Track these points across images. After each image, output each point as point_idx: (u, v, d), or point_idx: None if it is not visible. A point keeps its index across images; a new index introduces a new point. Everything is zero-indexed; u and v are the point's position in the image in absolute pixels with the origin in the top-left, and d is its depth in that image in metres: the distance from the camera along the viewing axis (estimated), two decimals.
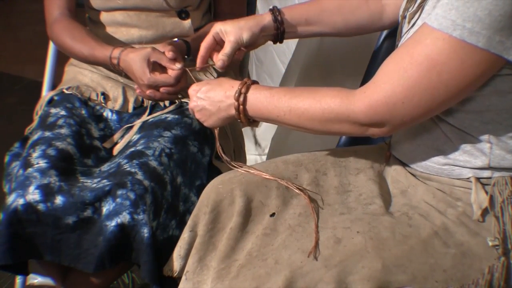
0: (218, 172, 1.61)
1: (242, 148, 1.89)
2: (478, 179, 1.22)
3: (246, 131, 2.07)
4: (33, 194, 1.46)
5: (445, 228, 1.22)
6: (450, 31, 1.08)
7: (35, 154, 1.54)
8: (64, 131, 1.62)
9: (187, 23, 1.74)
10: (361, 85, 1.23)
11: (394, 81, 1.13)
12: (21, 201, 1.46)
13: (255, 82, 1.31)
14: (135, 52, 1.56)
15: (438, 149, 1.25)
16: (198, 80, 1.45)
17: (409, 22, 1.24)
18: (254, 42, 1.44)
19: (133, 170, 1.50)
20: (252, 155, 2.62)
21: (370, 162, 1.41)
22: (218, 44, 1.45)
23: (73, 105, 1.71)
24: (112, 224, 1.45)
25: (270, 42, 1.50)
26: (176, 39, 1.68)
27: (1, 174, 1.66)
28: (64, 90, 1.76)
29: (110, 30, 1.75)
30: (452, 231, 1.22)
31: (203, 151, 1.66)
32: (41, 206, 1.46)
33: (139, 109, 1.75)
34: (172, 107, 1.71)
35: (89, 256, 1.47)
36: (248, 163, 1.50)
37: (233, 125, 1.81)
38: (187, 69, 1.55)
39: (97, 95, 1.76)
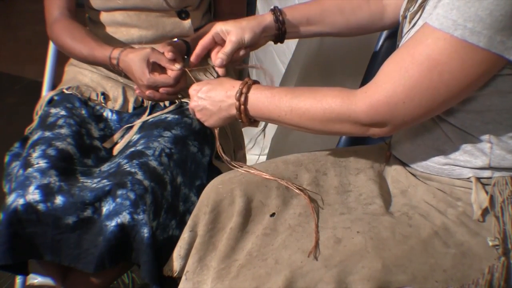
0: (218, 172, 1.61)
1: (242, 148, 1.89)
2: (478, 179, 1.22)
3: (246, 131, 2.06)
4: (33, 194, 1.46)
5: (445, 228, 1.22)
6: (451, 31, 1.08)
7: (35, 154, 1.54)
8: (64, 131, 1.62)
9: (187, 23, 1.74)
10: (361, 85, 1.23)
11: (395, 81, 1.14)
12: (21, 201, 1.46)
13: (256, 82, 1.31)
14: (134, 52, 1.56)
15: (438, 149, 1.25)
16: (198, 80, 1.44)
17: (410, 22, 1.24)
18: (255, 43, 1.44)
19: (133, 170, 1.50)
20: (252, 155, 2.62)
21: (370, 162, 1.41)
22: (218, 44, 1.45)
23: (73, 105, 1.71)
24: (112, 224, 1.45)
25: (270, 42, 1.50)
26: (176, 39, 1.67)
27: (1, 174, 1.66)
28: (64, 90, 1.76)
29: (110, 30, 1.75)
30: (452, 231, 1.22)
31: (203, 151, 1.66)
32: (41, 206, 1.46)
33: (139, 109, 1.75)
34: (172, 107, 1.71)
35: (89, 256, 1.47)
36: (248, 163, 1.50)
37: (233, 125, 1.81)
38: (186, 70, 1.55)
39: (97, 95, 1.76)
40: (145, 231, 1.44)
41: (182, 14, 1.73)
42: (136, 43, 1.73)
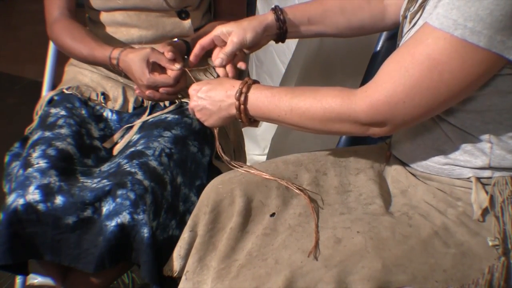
0: (218, 172, 1.61)
1: (242, 148, 1.89)
2: (478, 179, 1.22)
3: (246, 131, 2.07)
4: (33, 194, 1.46)
5: (445, 228, 1.22)
6: (451, 31, 1.08)
7: (35, 154, 1.54)
8: (64, 131, 1.62)
9: (187, 23, 1.74)
10: (361, 85, 1.23)
11: (395, 81, 1.14)
12: (21, 201, 1.46)
13: (256, 82, 1.31)
14: (134, 52, 1.56)
15: (438, 149, 1.25)
16: (198, 80, 1.44)
17: (410, 22, 1.24)
18: (257, 43, 1.43)
19: (133, 170, 1.50)
20: (252, 155, 2.62)
21: (370, 162, 1.40)
22: (219, 46, 1.45)
23: (73, 105, 1.71)
24: (112, 224, 1.45)
25: (270, 42, 1.50)
26: (176, 39, 1.67)
27: (1, 174, 1.66)
28: (64, 90, 1.76)
29: (110, 30, 1.75)
30: (452, 231, 1.22)
31: (203, 151, 1.66)
32: (41, 206, 1.46)
33: (139, 109, 1.75)
34: (172, 107, 1.71)
35: (89, 256, 1.47)
36: (248, 163, 1.50)
37: (233, 125, 1.81)
38: (186, 70, 1.55)
39: (97, 95, 1.76)
40: (145, 231, 1.44)
41: (182, 14, 1.73)
42: (136, 43, 1.73)
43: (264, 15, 1.44)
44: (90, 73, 1.79)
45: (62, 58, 1.94)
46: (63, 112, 1.68)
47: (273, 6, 1.45)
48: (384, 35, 1.70)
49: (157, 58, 1.54)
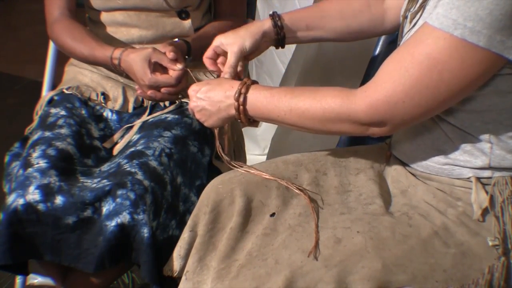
0: (218, 172, 1.61)
1: (242, 148, 1.89)
2: (478, 179, 1.22)
3: (246, 131, 2.06)
4: (33, 194, 1.46)
5: (445, 228, 1.22)
6: (451, 30, 1.08)
7: (35, 154, 1.54)
8: (64, 131, 1.62)
9: (187, 23, 1.74)
10: (361, 85, 1.23)
11: (395, 80, 1.14)
12: (21, 201, 1.46)
13: (254, 82, 1.31)
14: (136, 52, 1.56)
15: (438, 149, 1.25)
16: (199, 81, 1.45)
17: (410, 22, 1.24)
18: (256, 49, 1.43)
19: (133, 170, 1.50)
20: (252, 155, 2.62)
21: (370, 162, 1.41)
22: (221, 55, 1.45)
23: (73, 105, 1.71)
24: (112, 224, 1.45)
25: None
26: (176, 39, 1.68)
27: (1, 174, 1.66)
28: (64, 90, 1.76)
29: (110, 30, 1.75)
30: (452, 231, 1.22)
31: (203, 151, 1.66)
32: (41, 206, 1.46)
33: (139, 109, 1.75)
34: (172, 107, 1.71)
35: (89, 256, 1.47)
36: (248, 163, 1.50)
37: (233, 125, 1.81)
38: (188, 70, 1.55)
39: (97, 95, 1.76)
40: (145, 231, 1.44)
41: (182, 14, 1.73)
42: (136, 43, 1.73)
43: (261, 21, 1.44)
44: (90, 73, 1.79)
45: (62, 58, 1.94)
46: (63, 112, 1.68)
47: (271, 12, 1.45)
48: (383, 36, 1.70)
49: (158, 58, 1.54)
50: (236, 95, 1.28)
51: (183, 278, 1.33)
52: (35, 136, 1.61)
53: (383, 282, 1.17)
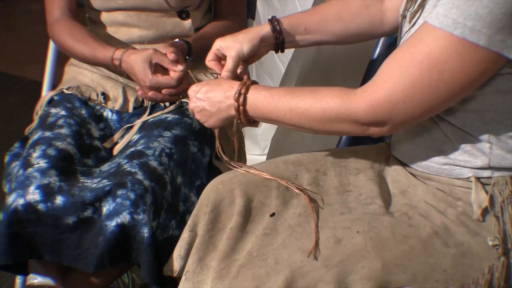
0: (218, 172, 1.61)
1: (242, 148, 1.89)
2: (478, 178, 1.22)
3: (246, 131, 2.07)
4: (33, 194, 1.46)
5: (445, 228, 1.22)
6: (451, 30, 1.08)
7: (35, 154, 1.54)
8: (64, 131, 1.62)
9: (188, 23, 1.74)
10: (361, 85, 1.23)
11: (395, 80, 1.14)
12: (21, 201, 1.46)
13: (254, 83, 1.31)
14: (137, 53, 1.56)
15: (437, 149, 1.25)
16: (199, 81, 1.45)
17: (410, 22, 1.24)
18: (255, 53, 1.43)
19: (133, 170, 1.50)
20: (252, 155, 2.62)
21: (370, 162, 1.41)
22: (222, 58, 1.45)
23: (73, 105, 1.71)
24: (112, 224, 1.45)
25: None
26: (177, 39, 1.68)
27: (1, 174, 1.66)
28: (64, 90, 1.76)
29: (110, 30, 1.75)
30: (452, 231, 1.22)
31: (203, 151, 1.66)
32: (41, 206, 1.46)
33: (139, 109, 1.75)
34: (172, 107, 1.71)
35: (89, 256, 1.47)
36: (248, 163, 1.50)
37: (233, 125, 1.80)
38: (188, 71, 1.55)
39: (97, 95, 1.76)
40: (145, 231, 1.44)
41: (183, 14, 1.73)
42: (137, 43, 1.73)
43: (260, 26, 1.45)
44: (90, 73, 1.79)
45: (62, 58, 1.94)
46: (63, 112, 1.68)
47: (269, 17, 1.45)
48: (383, 38, 1.70)
49: (159, 59, 1.55)
50: (236, 95, 1.28)
51: (183, 278, 1.33)
52: (35, 136, 1.61)
53: (383, 282, 1.17)
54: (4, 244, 1.45)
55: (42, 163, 1.51)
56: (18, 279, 2.01)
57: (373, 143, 1.52)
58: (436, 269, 1.18)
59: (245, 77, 1.40)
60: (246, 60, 1.43)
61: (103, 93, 1.76)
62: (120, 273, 1.75)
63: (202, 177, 1.64)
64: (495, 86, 1.16)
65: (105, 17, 1.74)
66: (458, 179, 1.24)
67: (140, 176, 1.49)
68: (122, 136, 1.70)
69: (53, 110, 1.69)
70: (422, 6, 1.20)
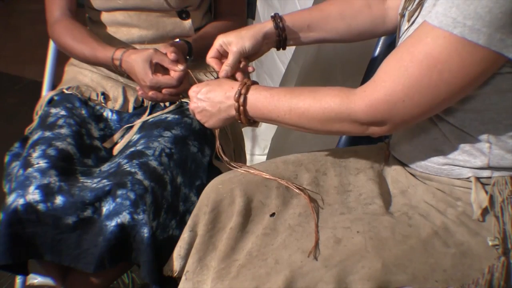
0: (218, 172, 1.61)
1: (242, 148, 1.89)
2: (478, 178, 1.22)
3: (246, 131, 2.07)
4: (33, 194, 1.46)
5: (445, 228, 1.22)
6: (450, 29, 1.08)
7: (35, 154, 1.54)
8: (64, 131, 1.62)
9: (188, 23, 1.74)
10: (361, 84, 1.23)
11: (395, 80, 1.14)
12: (21, 201, 1.46)
13: (254, 83, 1.31)
14: (137, 53, 1.57)
15: (436, 149, 1.25)
16: (200, 81, 1.45)
17: (408, 20, 1.24)
18: (257, 50, 1.43)
19: (133, 170, 1.50)
20: (252, 155, 2.62)
21: (370, 162, 1.41)
22: (223, 55, 1.45)
23: (73, 105, 1.71)
24: (112, 224, 1.45)
25: None
26: (177, 39, 1.68)
27: (1, 174, 1.66)
28: (64, 90, 1.76)
29: (110, 30, 1.75)
30: (452, 231, 1.22)
31: (203, 151, 1.66)
32: (41, 206, 1.46)
33: (139, 109, 1.75)
34: (172, 107, 1.71)
35: (89, 256, 1.47)
36: (248, 163, 1.50)
37: (233, 125, 1.81)
38: (189, 71, 1.55)
39: (97, 95, 1.76)
40: (145, 231, 1.44)
41: (183, 14, 1.73)
42: (137, 43, 1.73)
43: (263, 23, 1.45)
44: (90, 73, 1.79)
45: (62, 58, 1.94)
46: (63, 112, 1.68)
47: (272, 14, 1.45)
48: (383, 37, 1.70)
49: (160, 59, 1.55)
50: (236, 95, 1.28)
51: (183, 278, 1.33)
52: (35, 136, 1.61)
53: (383, 282, 1.17)
54: (4, 244, 1.45)
55: (42, 163, 1.51)
56: (18, 279, 2.01)
57: (373, 143, 1.52)
58: (436, 269, 1.18)
59: (240, 77, 1.40)
60: (248, 56, 1.43)
61: (103, 93, 1.76)
62: (120, 273, 1.75)
63: (202, 177, 1.64)
64: (494, 86, 1.16)
65: (105, 17, 1.74)
66: (458, 179, 1.24)
67: (140, 176, 1.49)
68: (122, 136, 1.70)
69: (53, 110, 1.69)
70: (420, 4, 1.20)
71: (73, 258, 1.48)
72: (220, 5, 1.82)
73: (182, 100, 1.69)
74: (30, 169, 1.50)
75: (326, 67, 2.10)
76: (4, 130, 2.94)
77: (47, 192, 1.47)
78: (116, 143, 1.69)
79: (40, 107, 1.78)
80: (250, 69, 1.44)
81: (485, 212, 1.21)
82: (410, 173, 1.32)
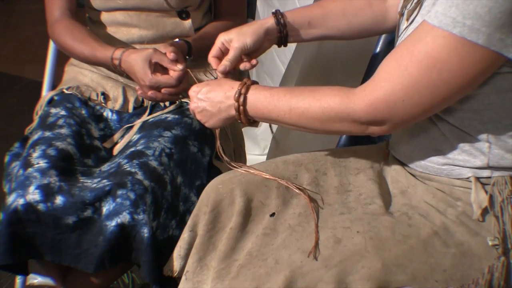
0: (218, 172, 1.61)
1: (242, 148, 1.89)
2: (477, 178, 1.22)
3: (246, 131, 2.07)
4: (33, 194, 1.46)
5: (445, 228, 1.22)
6: (450, 29, 1.08)
7: (35, 154, 1.54)
8: (64, 131, 1.62)
9: (188, 23, 1.74)
10: (362, 83, 1.23)
11: (394, 79, 1.14)
12: (21, 201, 1.46)
13: (254, 83, 1.31)
14: (136, 53, 1.56)
15: (436, 149, 1.25)
16: (200, 81, 1.45)
17: (407, 20, 1.25)
18: (259, 46, 1.43)
19: (133, 170, 1.50)
20: (252, 155, 2.62)
21: (370, 162, 1.41)
22: (225, 54, 1.45)
23: (73, 105, 1.71)
24: (112, 224, 1.45)
25: None
26: (177, 39, 1.68)
27: (1, 174, 1.66)
28: (64, 90, 1.76)
29: (110, 30, 1.75)
30: (452, 230, 1.22)
31: (203, 151, 1.66)
32: (41, 206, 1.46)
33: (139, 109, 1.75)
34: (172, 107, 1.71)
35: (89, 256, 1.47)
36: (248, 163, 1.50)
37: (233, 125, 1.81)
38: (188, 70, 1.55)
39: (97, 95, 1.76)
40: (145, 231, 1.44)
41: (183, 14, 1.73)
42: (137, 43, 1.73)
43: (264, 19, 1.44)
44: (90, 73, 1.79)
45: (62, 58, 1.94)
46: (63, 112, 1.68)
47: (273, 10, 1.45)
48: (383, 35, 1.70)
49: (159, 58, 1.54)
50: (236, 95, 1.28)
51: (183, 278, 1.33)
52: (35, 136, 1.61)
53: (383, 282, 1.17)
54: (4, 244, 1.45)
55: (42, 163, 1.51)
56: (18, 279, 2.01)
57: (373, 143, 1.52)
58: (436, 269, 1.18)
59: (245, 76, 1.40)
60: (249, 53, 1.43)
61: (103, 93, 1.76)
62: (120, 273, 1.75)
63: (202, 177, 1.64)
64: (494, 85, 1.16)
65: (105, 17, 1.74)
66: (458, 179, 1.24)
67: (140, 176, 1.49)
68: (122, 136, 1.70)
69: (53, 110, 1.69)
70: (419, 4, 1.20)
71: (73, 258, 1.48)
72: (220, 5, 1.82)
73: (182, 100, 1.69)
74: (30, 169, 1.50)
75: (326, 66, 2.10)
76: (4, 130, 2.94)
77: (47, 192, 1.47)
78: (116, 143, 1.69)
79: (40, 107, 1.78)
80: (253, 61, 1.44)
81: (485, 212, 1.21)
82: (410, 173, 1.32)
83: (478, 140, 1.20)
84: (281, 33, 1.44)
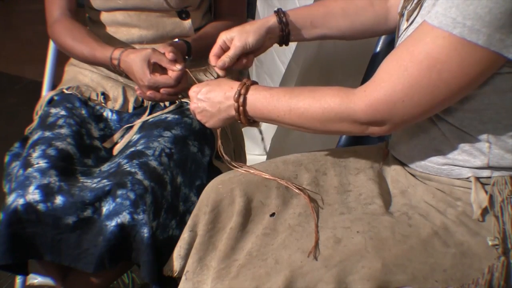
0: (218, 172, 1.61)
1: (242, 148, 1.89)
2: (477, 178, 1.22)
3: (246, 131, 2.07)
4: (33, 194, 1.46)
5: (445, 227, 1.22)
6: (450, 29, 1.09)
7: (35, 154, 1.54)
8: (64, 131, 1.62)
9: (188, 23, 1.74)
10: (362, 83, 1.23)
11: (394, 80, 1.14)
12: (21, 201, 1.46)
13: (254, 83, 1.31)
14: (135, 53, 1.56)
15: (436, 149, 1.25)
16: (199, 81, 1.45)
17: (407, 20, 1.25)
18: (261, 45, 1.43)
19: (133, 170, 1.50)
20: (252, 155, 2.62)
21: (370, 162, 1.41)
22: (225, 52, 1.45)
23: (73, 105, 1.71)
24: (112, 224, 1.45)
25: None
26: (176, 39, 1.68)
27: (1, 174, 1.66)
28: (64, 90, 1.76)
29: (110, 30, 1.75)
30: (452, 230, 1.22)
31: (203, 151, 1.66)
32: (41, 206, 1.46)
33: (139, 109, 1.75)
34: (172, 107, 1.71)
35: (89, 256, 1.47)
36: (248, 163, 1.50)
37: (233, 125, 1.81)
38: (187, 70, 1.55)
39: (97, 95, 1.76)
40: (145, 231, 1.44)
41: (183, 14, 1.73)
42: (137, 43, 1.73)
43: (266, 18, 1.44)
44: (90, 73, 1.79)
45: (62, 58, 1.94)
46: (63, 112, 1.68)
47: (275, 9, 1.45)
48: (384, 35, 1.70)
49: (158, 58, 1.54)
50: (236, 96, 1.28)
51: (183, 278, 1.33)
52: (35, 136, 1.61)
53: (383, 282, 1.17)
54: (4, 244, 1.45)
55: (42, 163, 1.51)
56: (18, 279, 2.01)
57: (373, 143, 1.52)
58: (436, 269, 1.18)
59: (245, 76, 1.40)
60: (251, 52, 1.43)
61: (103, 93, 1.76)
62: (120, 273, 1.75)
63: (202, 177, 1.64)
64: (494, 85, 1.16)
65: (105, 17, 1.74)
66: (458, 179, 1.24)
67: (140, 176, 1.49)
68: (122, 136, 1.70)
69: (53, 110, 1.69)
70: (419, 4, 1.20)
71: (73, 258, 1.48)
72: (220, 5, 1.82)
73: (182, 100, 1.69)
74: (30, 169, 1.50)
75: (326, 66, 2.10)
76: (4, 130, 2.94)
77: (47, 192, 1.47)
78: (116, 143, 1.69)
79: (40, 107, 1.78)
80: (244, 60, 1.43)
81: (485, 212, 1.21)
82: (410, 173, 1.32)
83: (478, 140, 1.20)
84: (283, 32, 1.44)
